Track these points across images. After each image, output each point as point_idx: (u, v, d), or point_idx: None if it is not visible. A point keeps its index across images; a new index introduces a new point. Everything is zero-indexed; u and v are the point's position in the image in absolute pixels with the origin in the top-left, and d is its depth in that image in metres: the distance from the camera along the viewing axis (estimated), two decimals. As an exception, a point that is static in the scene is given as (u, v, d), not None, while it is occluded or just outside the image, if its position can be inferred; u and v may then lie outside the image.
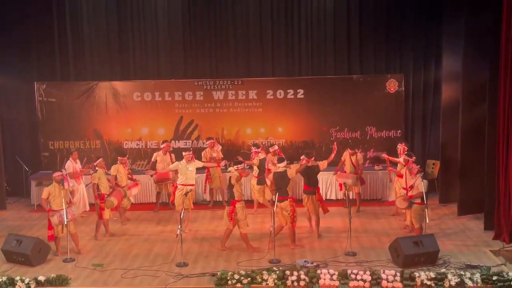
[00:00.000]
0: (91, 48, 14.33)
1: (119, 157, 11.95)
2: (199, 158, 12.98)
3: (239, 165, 10.08)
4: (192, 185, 11.29)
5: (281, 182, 10.10)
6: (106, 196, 10.92)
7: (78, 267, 9.40)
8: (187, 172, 11.16)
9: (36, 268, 9.35)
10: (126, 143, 14.15)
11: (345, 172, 12.35)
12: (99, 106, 14.08)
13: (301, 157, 10.86)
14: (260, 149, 12.36)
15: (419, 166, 10.36)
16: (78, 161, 12.23)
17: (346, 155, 12.42)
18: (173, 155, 12.87)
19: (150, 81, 14.17)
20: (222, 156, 13.08)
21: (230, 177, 10.05)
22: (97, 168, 11.15)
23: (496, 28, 10.06)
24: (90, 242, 10.79)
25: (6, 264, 9.58)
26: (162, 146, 12.83)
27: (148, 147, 14.06)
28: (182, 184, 11.10)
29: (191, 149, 12.33)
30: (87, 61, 14.40)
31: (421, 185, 9.87)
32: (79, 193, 11.88)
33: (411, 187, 10.12)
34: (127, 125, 14.16)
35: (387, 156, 11.95)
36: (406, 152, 11.26)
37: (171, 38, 14.28)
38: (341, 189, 12.83)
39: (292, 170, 10.39)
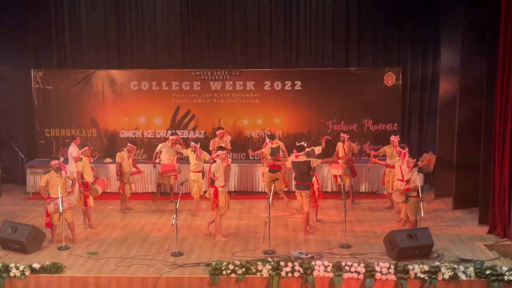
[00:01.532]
0: (88, 36, 14.24)
1: (128, 144, 12.05)
2: (205, 147, 12.92)
3: (304, 150, 10.48)
4: None
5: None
6: (90, 184, 10.92)
7: (73, 255, 9.42)
8: (223, 171, 10.46)
9: (31, 255, 9.37)
10: (122, 132, 14.11)
11: (338, 163, 12.36)
12: (96, 94, 14.01)
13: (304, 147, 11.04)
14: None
15: (415, 160, 10.38)
16: (77, 147, 12.20)
17: (339, 145, 12.43)
18: (179, 146, 12.69)
19: (148, 70, 14.10)
20: (230, 148, 13.01)
21: (310, 161, 10.36)
22: (81, 157, 11.13)
23: (494, 22, 10.05)
24: (85, 230, 10.80)
25: (1, 251, 9.59)
26: (171, 137, 12.62)
27: (145, 136, 14.03)
28: (222, 186, 10.25)
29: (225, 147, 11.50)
30: (84, 49, 14.32)
31: (418, 179, 9.90)
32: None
33: (408, 181, 10.14)
34: (123, 114, 14.10)
35: (373, 159, 11.85)
36: (399, 144, 11.29)
37: (169, 27, 14.21)
38: (336, 180, 12.88)
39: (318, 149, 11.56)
